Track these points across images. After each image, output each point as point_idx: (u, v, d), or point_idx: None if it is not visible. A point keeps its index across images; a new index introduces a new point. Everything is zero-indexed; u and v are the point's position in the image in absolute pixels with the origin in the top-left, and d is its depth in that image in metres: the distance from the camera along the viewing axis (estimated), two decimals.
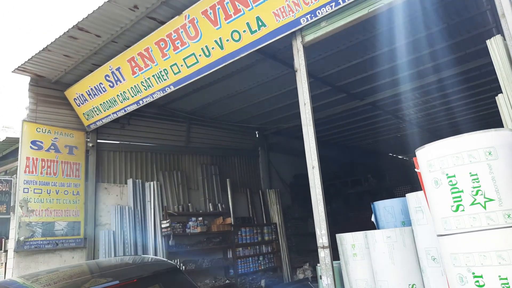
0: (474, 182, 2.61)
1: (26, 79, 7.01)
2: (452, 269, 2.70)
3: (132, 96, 6.53)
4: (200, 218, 8.96)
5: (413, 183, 10.06)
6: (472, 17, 6.63)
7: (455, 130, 13.14)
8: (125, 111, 6.83)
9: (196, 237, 9.04)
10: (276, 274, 10.88)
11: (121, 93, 6.62)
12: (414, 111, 11.58)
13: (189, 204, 9.09)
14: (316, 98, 9.74)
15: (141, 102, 6.52)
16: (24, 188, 6.44)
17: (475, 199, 2.59)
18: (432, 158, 2.86)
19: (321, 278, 4.22)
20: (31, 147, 6.69)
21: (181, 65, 5.70)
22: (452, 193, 2.70)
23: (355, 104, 10.14)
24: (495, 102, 3.55)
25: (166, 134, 9.32)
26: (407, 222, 4.08)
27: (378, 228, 4.30)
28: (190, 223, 8.79)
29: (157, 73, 5.99)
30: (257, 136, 12.21)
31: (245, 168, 11.47)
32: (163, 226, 8.19)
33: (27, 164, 6.57)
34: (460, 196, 2.66)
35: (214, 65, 5.42)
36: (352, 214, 10.78)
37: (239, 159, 11.33)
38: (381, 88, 9.58)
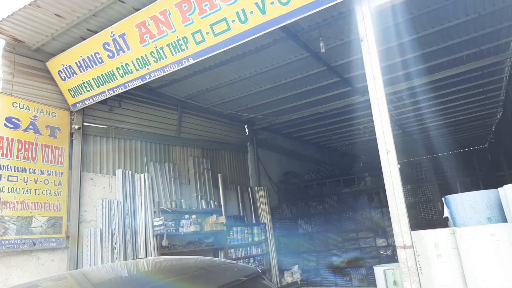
0: None
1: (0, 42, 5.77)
2: None
3: (137, 70, 5.53)
4: (194, 216, 8.03)
5: (412, 183, 9.80)
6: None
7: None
8: (125, 87, 5.81)
9: (188, 237, 8.09)
10: (265, 277, 10.15)
11: (122, 66, 5.60)
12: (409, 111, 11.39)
13: (182, 200, 8.13)
14: (320, 90, 9.22)
15: (147, 77, 5.54)
16: None
17: None
18: None
19: (395, 284, 3.57)
20: (5, 124, 5.47)
21: (207, 33, 4.83)
22: None
23: (356, 99, 9.68)
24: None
25: (157, 121, 8.31)
26: (494, 218, 3.54)
27: (455, 225, 3.72)
28: (183, 221, 7.82)
29: (174, 41, 5.07)
30: (246, 130, 11.44)
31: (234, 163, 10.66)
32: (155, 224, 7.18)
33: (0, 145, 5.35)
34: None
35: (249, 33, 4.62)
36: (347, 214, 10.31)
37: (228, 154, 10.51)
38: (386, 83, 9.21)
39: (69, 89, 6.26)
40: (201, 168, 9.11)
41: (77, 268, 5.98)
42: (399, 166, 3.56)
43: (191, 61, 5.14)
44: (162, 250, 7.19)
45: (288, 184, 12.03)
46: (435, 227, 9.34)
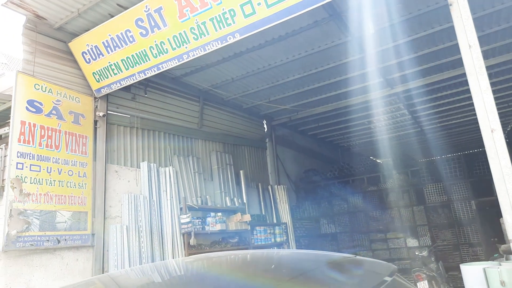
0: None
1: (20, 18, 5.24)
2: None
3: (174, 48, 5.02)
4: (220, 214, 7.51)
5: (443, 181, 9.34)
6: None
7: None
8: (158, 69, 5.29)
9: (213, 236, 7.58)
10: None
11: (157, 44, 5.09)
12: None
13: (207, 197, 7.59)
14: (348, 82, 8.75)
15: (185, 56, 5.03)
16: (17, 163, 4.66)
17: None
18: None
19: (503, 285, 3.06)
20: (27, 108, 4.92)
21: (258, 4, 4.34)
22: None
23: (385, 92, 9.22)
24: None
25: (179, 113, 7.79)
26: None
27: None
28: (209, 219, 7.29)
29: (219, 15, 4.57)
30: (265, 126, 10.94)
31: (254, 160, 10.15)
32: (182, 221, 6.63)
33: (22, 130, 4.80)
34: None
35: (307, 3, 4.14)
36: (374, 214, 9.82)
37: (248, 150, 9.99)
38: (412, 77, 8.77)
39: (93, 73, 5.73)
40: (224, 163, 8.59)
41: (102, 269, 5.42)
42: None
43: (237, 37, 4.64)
44: (190, 250, 6.65)
45: (308, 182, 11.51)
46: (472, 227, 8.92)
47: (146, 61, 5.27)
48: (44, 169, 4.93)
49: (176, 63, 5.12)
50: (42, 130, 5.01)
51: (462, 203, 8.91)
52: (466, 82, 9.42)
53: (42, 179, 4.88)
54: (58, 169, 5.09)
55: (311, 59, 7.41)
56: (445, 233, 9.00)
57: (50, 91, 5.23)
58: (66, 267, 5.03)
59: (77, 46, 5.62)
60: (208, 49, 4.85)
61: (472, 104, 10.54)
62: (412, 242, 9.09)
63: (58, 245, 4.93)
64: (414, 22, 6.43)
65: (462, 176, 9.07)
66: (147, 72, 5.37)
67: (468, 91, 9.89)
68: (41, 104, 5.07)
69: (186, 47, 4.95)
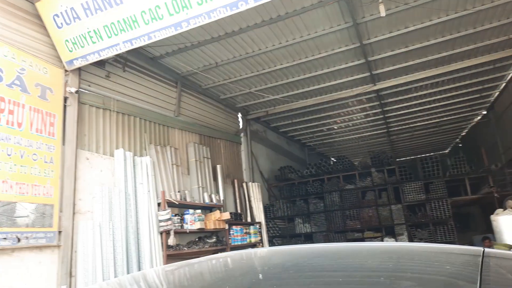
0: None
1: None
2: None
3: (171, 14, 4.29)
4: (199, 211, 6.80)
5: (422, 180, 9.31)
6: None
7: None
8: (149, 38, 4.51)
9: (190, 236, 6.87)
10: None
11: (150, 9, 4.32)
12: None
13: (186, 192, 6.85)
14: (333, 75, 8.42)
15: (184, 24, 4.31)
16: None
17: None
18: None
19: None
20: None
21: None
22: None
23: (368, 88, 9.02)
24: None
25: (156, 98, 6.99)
26: None
27: None
28: (187, 216, 6.56)
29: None
30: (239, 120, 10.33)
31: (229, 155, 9.51)
32: (161, 218, 5.86)
33: None
34: None
35: None
36: (351, 212, 9.57)
37: (224, 144, 9.33)
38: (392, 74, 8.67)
39: (66, 40, 4.81)
40: (201, 156, 7.88)
41: (70, 274, 4.53)
42: None
43: (251, 4, 4.02)
44: (168, 251, 5.88)
45: (283, 180, 11.06)
46: (448, 226, 8.95)
47: (135, 28, 4.48)
48: (3, 151, 3.97)
49: (172, 32, 4.39)
50: (2, 103, 4.05)
51: (439, 202, 8.93)
52: (442, 83, 9.46)
53: (0, 162, 3.93)
54: (20, 151, 4.15)
55: (304, 46, 6.97)
56: (422, 232, 8.97)
57: (14, 57, 4.27)
58: (26, 271, 4.09)
59: (47, 7, 4.68)
60: (213, 16, 4.19)
61: (446, 106, 10.62)
62: (389, 241, 8.95)
63: (18, 245, 3.99)
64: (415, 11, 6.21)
65: (438, 176, 9.09)
66: (135, 42, 4.58)
67: (440, 92, 9.89)
68: (1, 71, 4.10)
69: (186, 13, 4.24)
